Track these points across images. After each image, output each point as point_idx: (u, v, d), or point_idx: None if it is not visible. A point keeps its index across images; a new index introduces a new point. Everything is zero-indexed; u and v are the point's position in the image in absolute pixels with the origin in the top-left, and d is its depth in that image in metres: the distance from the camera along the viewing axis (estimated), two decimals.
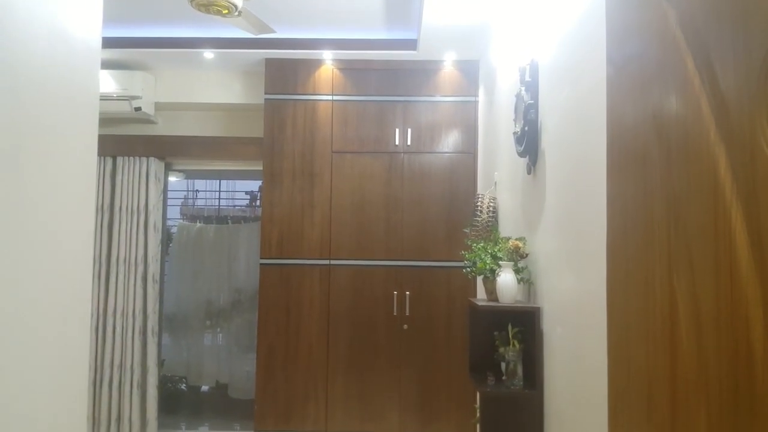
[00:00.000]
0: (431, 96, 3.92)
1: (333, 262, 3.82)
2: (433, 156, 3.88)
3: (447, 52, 3.81)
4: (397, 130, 3.87)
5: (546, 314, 2.22)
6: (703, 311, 0.89)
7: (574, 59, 1.95)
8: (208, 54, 3.94)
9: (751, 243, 0.74)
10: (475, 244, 2.66)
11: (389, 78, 3.92)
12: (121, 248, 4.30)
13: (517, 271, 2.37)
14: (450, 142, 3.88)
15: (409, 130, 3.87)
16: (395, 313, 3.76)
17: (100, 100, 4.00)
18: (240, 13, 2.84)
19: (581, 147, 1.86)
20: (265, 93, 3.91)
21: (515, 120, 2.52)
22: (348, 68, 3.92)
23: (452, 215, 3.81)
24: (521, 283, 2.38)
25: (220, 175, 5.99)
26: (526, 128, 2.33)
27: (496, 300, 2.37)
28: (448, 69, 3.94)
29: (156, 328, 4.32)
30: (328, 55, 3.87)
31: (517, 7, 2.77)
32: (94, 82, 2.06)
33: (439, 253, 3.80)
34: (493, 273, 2.40)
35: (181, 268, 5.03)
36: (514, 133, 2.50)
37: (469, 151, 3.87)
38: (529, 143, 2.34)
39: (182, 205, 5.96)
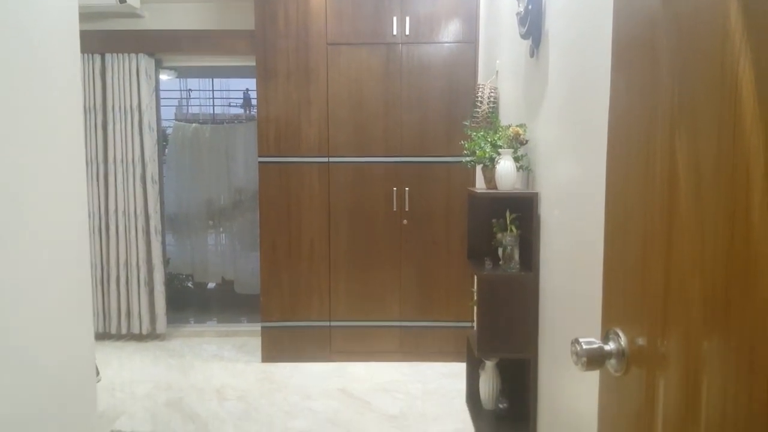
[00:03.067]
0: None
1: (332, 159, 3.80)
2: (433, 47, 3.73)
3: None
4: (394, 19, 3.69)
5: (544, 199, 2.24)
6: (703, 168, 0.89)
7: None
8: None
9: (758, 93, 0.72)
10: (474, 134, 2.62)
11: None
12: (117, 148, 4.27)
13: (516, 158, 2.36)
14: (450, 30, 3.72)
15: (408, 19, 3.69)
16: (395, 209, 3.81)
17: None
18: None
19: (587, 24, 1.78)
20: None
21: None
22: None
23: (452, 109, 3.74)
24: (520, 170, 2.39)
25: (213, 73, 5.81)
26: (530, 6, 2.21)
27: (495, 188, 2.38)
28: None
29: (159, 227, 4.39)
30: None
31: None
32: None
33: (438, 148, 3.77)
34: (492, 161, 2.39)
35: (179, 169, 5.03)
36: (518, 13, 2.38)
37: (470, 41, 3.72)
38: (532, 23, 2.23)
39: (177, 107, 5.85)
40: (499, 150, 2.36)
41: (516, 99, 2.68)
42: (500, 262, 2.44)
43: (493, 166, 2.38)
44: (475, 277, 2.66)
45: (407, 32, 3.70)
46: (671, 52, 0.88)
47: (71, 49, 2.01)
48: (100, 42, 4.17)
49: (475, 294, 2.63)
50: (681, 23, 0.87)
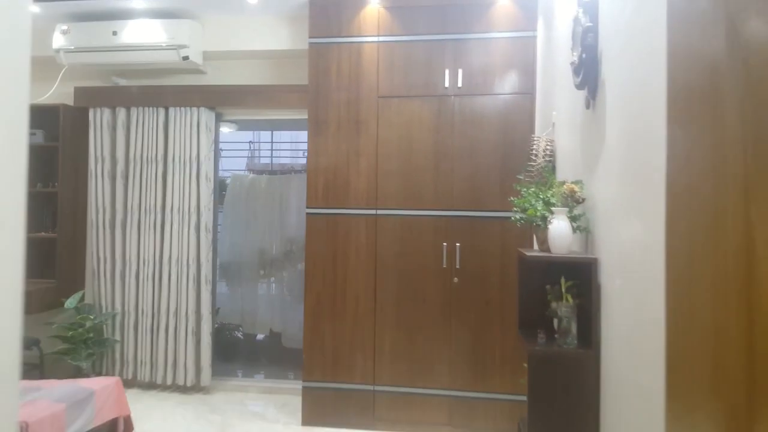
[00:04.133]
0: (485, 32, 3.61)
1: (380, 211, 3.69)
2: (487, 98, 3.60)
3: None
4: (447, 72, 3.61)
5: (604, 266, 1.98)
6: None
7: None
8: None
9: None
10: (525, 189, 2.42)
11: (439, 15, 3.63)
12: (175, 198, 4.37)
13: (572, 218, 2.13)
14: (505, 82, 3.58)
15: (460, 71, 3.60)
16: (445, 266, 3.61)
17: (151, 50, 4.02)
18: None
19: (646, 71, 1.58)
20: (309, 37, 3.74)
21: (573, 48, 2.22)
22: (395, 6, 3.66)
23: (508, 162, 3.56)
24: (577, 231, 2.15)
25: (273, 126, 5.96)
26: (584, 56, 2.04)
27: (549, 250, 2.15)
28: (503, 2, 3.59)
29: (209, 277, 4.40)
30: None
31: None
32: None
33: (492, 202, 3.57)
34: (545, 220, 2.17)
35: (234, 218, 5.09)
36: (572, 63, 2.21)
37: (526, 92, 3.56)
38: (587, 73, 2.05)
39: (248, 158, 6.02)
40: (553, 209, 2.14)
41: (572, 153, 2.46)
42: (555, 336, 2.17)
43: (546, 226, 2.16)
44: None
45: (460, 84, 3.60)
46: (739, 104, 0.68)
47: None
48: (165, 95, 4.36)
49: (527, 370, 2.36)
50: (751, 71, 0.68)
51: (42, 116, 4.41)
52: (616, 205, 1.87)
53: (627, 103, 1.75)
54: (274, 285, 5.19)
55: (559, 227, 2.07)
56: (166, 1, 3.88)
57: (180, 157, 4.37)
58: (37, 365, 4.23)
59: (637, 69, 1.67)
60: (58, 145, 4.34)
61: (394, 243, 3.67)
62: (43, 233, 4.45)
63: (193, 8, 4.01)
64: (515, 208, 2.44)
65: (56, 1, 3.83)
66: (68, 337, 4.11)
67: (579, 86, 2.15)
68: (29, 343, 4.14)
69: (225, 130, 5.13)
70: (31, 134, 4.37)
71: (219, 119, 4.57)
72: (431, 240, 3.63)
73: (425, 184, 3.65)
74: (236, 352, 5.23)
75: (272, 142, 5.85)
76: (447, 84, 3.61)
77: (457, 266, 3.60)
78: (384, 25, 3.67)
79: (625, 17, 1.77)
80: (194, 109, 4.35)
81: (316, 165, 3.75)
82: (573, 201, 2.10)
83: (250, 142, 5.84)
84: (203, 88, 4.35)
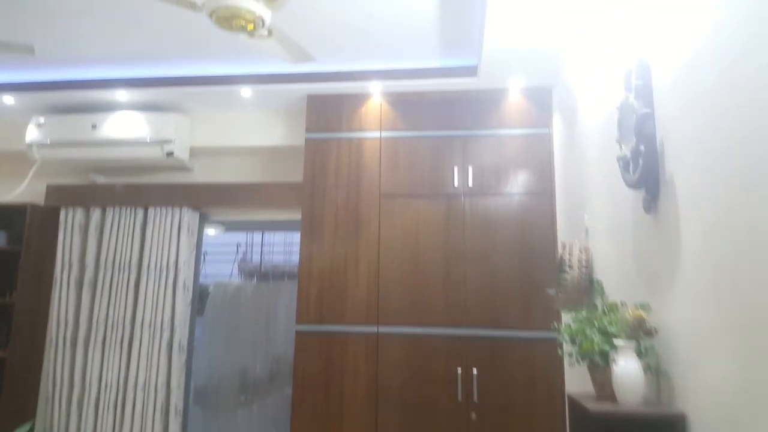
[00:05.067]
0: (495, 129, 3.30)
1: (381, 329, 3.15)
2: (500, 198, 3.20)
3: (513, 79, 3.21)
4: (455, 169, 3.24)
5: (696, 425, 1.44)
6: None
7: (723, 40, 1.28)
8: (246, 91, 3.52)
9: None
10: (571, 313, 1.92)
11: (446, 110, 3.34)
12: (147, 310, 3.82)
13: (640, 353, 1.61)
14: (520, 181, 3.21)
15: (471, 169, 3.24)
16: (460, 399, 3.00)
17: (132, 145, 3.67)
18: (270, 32, 2.37)
19: (751, 164, 1.16)
20: (307, 131, 3.42)
21: (620, 140, 1.84)
22: (398, 101, 3.38)
23: (528, 270, 3.09)
24: (647, 372, 1.62)
25: (262, 227, 5.55)
26: (642, 148, 1.64)
27: (612, 398, 1.61)
28: (514, 97, 3.32)
29: (180, 406, 3.74)
30: (375, 87, 3.36)
31: (608, 15, 2.14)
32: None
33: (513, 319, 3.05)
34: (606, 357, 1.65)
35: (214, 333, 4.49)
36: (620, 157, 1.81)
37: (543, 192, 3.18)
38: (646, 169, 1.64)
39: (240, 261, 5.56)
40: (615, 341, 1.63)
41: (623, 267, 1.99)
42: None
43: (607, 365, 1.63)
44: None
45: (470, 183, 3.22)
46: None
47: None
48: (146, 195, 3.96)
49: None
50: None
51: (7, 216, 3.99)
52: (708, 338, 1.37)
53: (718, 205, 1.32)
54: (256, 414, 4.48)
55: (628, 369, 1.54)
56: (152, 94, 3.60)
57: (156, 262, 3.88)
58: None
59: (731, 157, 1.25)
60: (21, 249, 3.86)
61: (399, 368, 3.09)
62: None
63: (181, 102, 3.73)
64: (561, 336, 1.92)
65: (32, 92, 3.54)
66: None
67: (633, 185, 1.73)
68: None
69: (211, 232, 4.71)
70: None
71: (204, 220, 4.15)
72: (443, 364, 3.06)
73: (434, 294, 3.14)
74: None
75: (262, 245, 5.40)
76: (456, 182, 3.23)
77: (475, 399, 3.00)
78: (387, 120, 3.37)
79: (706, 92, 1.38)
80: (176, 209, 3.93)
81: (308, 272, 3.26)
82: (641, 332, 1.60)
83: (237, 244, 5.39)
84: (188, 186, 3.97)
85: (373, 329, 3.15)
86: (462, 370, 3.03)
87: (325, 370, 3.15)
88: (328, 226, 3.29)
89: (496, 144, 3.28)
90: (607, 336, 1.68)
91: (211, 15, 2.07)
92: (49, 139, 3.70)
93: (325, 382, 3.13)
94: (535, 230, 3.14)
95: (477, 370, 3.01)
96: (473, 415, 2.96)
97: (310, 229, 3.31)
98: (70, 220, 4.00)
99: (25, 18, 2.83)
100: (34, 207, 3.94)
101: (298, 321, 3.23)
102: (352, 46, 3.10)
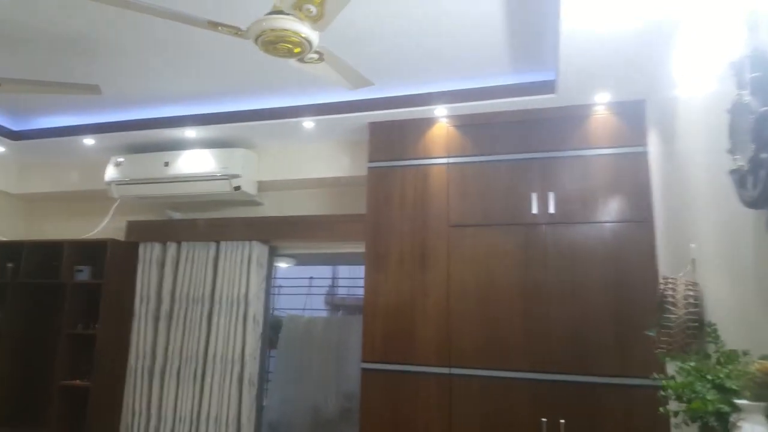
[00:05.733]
0: (580, 149, 2.96)
1: (454, 371, 2.86)
2: (588, 227, 2.84)
3: (597, 94, 2.89)
4: (534, 196, 2.93)
5: None
6: None
7: None
8: (308, 123, 3.46)
9: None
10: (676, 362, 1.56)
11: (520, 131, 3.06)
12: (219, 343, 3.79)
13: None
14: (611, 207, 2.84)
15: (552, 195, 2.91)
16: None
17: (202, 180, 3.72)
18: (321, 56, 2.26)
19: None
20: (369, 160, 3.28)
21: (732, 150, 1.49)
22: (466, 123, 3.15)
23: (625, 308, 2.69)
24: None
25: (333, 260, 5.46)
26: (764, 155, 1.29)
27: None
28: (600, 114, 2.98)
29: None
30: (441, 111, 3.16)
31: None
32: None
33: (606, 364, 2.66)
34: (724, 421, 1.28)
35: (287, 366, 4.39)
36: (733, 171, 1.46)
37: (640, 218, 2.78)
38: None
39: (327, 294, 5.54)
40: (735, 401, 1.27)
41: (744, 306, 1.61)
42: None
43: (727, 431, 1.27)
44: None
45: (552, 210, 2.89)
46: None
47: None
48: (217, 229, 3.98)
49: None
50: None
51: (91, 252, 4.16)
52: None
53: None
54: None
55: None
56: (220, 131, 3.64)
57: (228, 295, 3.86)
58: None
59: None
60: (102, 283, 4.00)
61: (476, 414, 2.78)
62: (78, 381, 3.97)
63: (247, 137, 3.74)
64: (665, 392, 1.56)
65: (109, 132, 3.70)
66: None
67: (753, 203, 1.38)
68: None
69: (283, 264, 4.67)
70: (78, 271, 4.09)
71: (273, 253, 4.09)
72: (526, 413, 2.71)
73: (513, 334, 2.82)
74: None
75: (333, 278, 5.29)
76: (535, 210, 2.91)
77: None
78: (454, 144, 3.14)
79: None
80: (245, 242, 3.91)
81: (374, 307, 3.07)
82: None
83: (310, 277, 5.32)
84: (255, 220, 3.95)
85: (445, 371, 2.87)
86: (547, 421, 2.66)
87: (394, 411, 2.90)
88: (393, 258, 3.09)
89: (581, 166, 2.94)
90: (725, 393, 1.31)
91: (256, 41, 1.98)
92: (126, 177, 3.84)
93: (393, 424, 2.88)
94: (631, 263, 2.74)
95: (565, 422, 2.63)
96: None
97: (374, 262, 3.12)
98: (148, 254, 4.11)
99: (94, 57, 2.93)
100: (114, 242, 4.09)
101: (364, 359, 3.03)
102: (414, 68, 2.93)
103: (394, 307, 3.03)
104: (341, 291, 5.53)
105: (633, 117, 2.91)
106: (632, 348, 2.62)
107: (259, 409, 3.84)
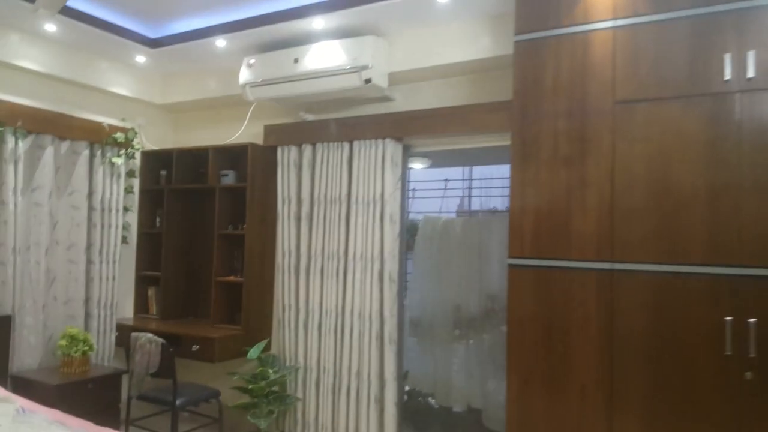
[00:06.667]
0: None
1: (617, 266, 2.57)
2: None
3: None
4: (727, 57, 2.39)
5: None
6: None
7: None
8: None
9: None
10: None
11: None
12: (358, 242, 3.83)
13: None
14: None
15: (751, 55, 2.35)
16: (729, 352, 2.32)
17: (331, 75, 3.58)
18: None
19: None
20: (516, 33, 2.88)
21: None
22: None
23: None
24: None
25: (470, 161, 5.22)
26: None
27: None
28: None
29: (394, 335, 3.71)
30: None
31: None
32: None
33: None
34: None
35: (425, 267, 4.37)
36: None
37: None
38: None
39: (460, 197, 5.45)
40: None
41: None
42: None
43: None
44: None
45: (751, 74, 2.35)
46: None
47: None
48: (350, 128, 3.89)
49: None
50: None
51: (234, 157, 4.32)
52: None
53: None
54: (472, 349, 4.28)
55: None
56: (347, 17, 3.42)
57: (364, 196, 3.82)
58: (216, 419, 3.98)
59: None
60: (246, 186, 4.16)
61: (643, 313, 2.51)
62: (232, 277, 4.29)
63: (375, 22, 3.48)
64: None
65: (237, 31, 3.64)
66: (249, 390, 3.77)
67: None
68: (209, 395, 3.90)
69: (417, 166, 4.53)
70: (223, 175, 4.28)
71: (407, 152, 3.94)
72: (705, 311, 2.39)
73: (692, 226, 2.44)
74: (428, 425, 4.41)
75: (471, 179, 5.07)
76: (728, 75, 2.39)
77: (751, 354, 2.28)
78: (622, 4, 2.63)
79: None
80: (379, 141, 3.78)
81: (522, 204, 2.81)
82: None
83: (446, 180, 5.15)
84: (387, 116, 3.77)
85: (606, 266, 2.60)
86: (732, 318, 2.32)
87: (545, 311, 2.72)
88: (545, 147, 2.77)
89: None
90: None
91: None
92: (259, 78, 3.82)
93: (545, 324, 2.72)
94: None
95: (755, 320, 2.27)
96: (748, 375, 2.27)
97: (522, 152, 2.82)
98: (286, 157, 4.17)
99: None
100: (254, 146, 4.19)
101: (511, 254, 2.84)
102: None
103: (546, 201, 2.75)
104: (476, 193, 5.32)
105: None
106: None
107: (401, 306, 3.88)
